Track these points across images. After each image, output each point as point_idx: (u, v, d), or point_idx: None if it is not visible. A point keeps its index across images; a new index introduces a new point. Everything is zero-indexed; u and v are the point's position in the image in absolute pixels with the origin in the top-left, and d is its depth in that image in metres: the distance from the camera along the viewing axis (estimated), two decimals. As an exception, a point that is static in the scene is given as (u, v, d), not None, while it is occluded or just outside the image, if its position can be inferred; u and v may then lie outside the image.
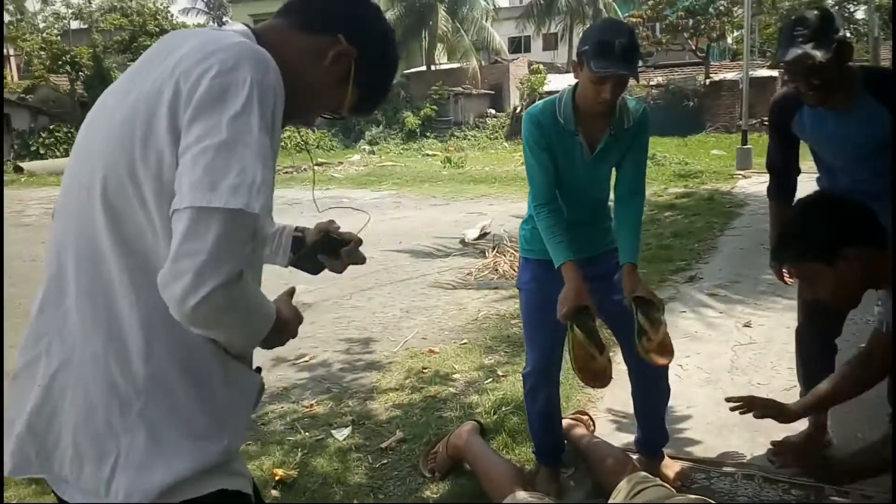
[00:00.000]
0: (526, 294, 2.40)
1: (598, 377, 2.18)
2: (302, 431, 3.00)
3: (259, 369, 1.17)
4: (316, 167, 19.86)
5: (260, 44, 1.06)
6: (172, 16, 36.92)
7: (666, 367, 2.43)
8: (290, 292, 1.26)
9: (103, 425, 1.00)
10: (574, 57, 2.15)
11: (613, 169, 2.32)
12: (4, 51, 26.08)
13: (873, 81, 2.18)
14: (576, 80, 2.15)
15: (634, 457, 2.57)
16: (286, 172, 19.01)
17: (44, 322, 1.06)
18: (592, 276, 2.25)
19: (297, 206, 11.88)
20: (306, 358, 3.97)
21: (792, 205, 2.52)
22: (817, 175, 2.50)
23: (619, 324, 2.33)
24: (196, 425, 1.03)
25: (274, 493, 2.50)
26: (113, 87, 1.10)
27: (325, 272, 1.49)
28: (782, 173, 2.54)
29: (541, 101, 2.26)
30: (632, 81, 2.47)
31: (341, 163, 21.04)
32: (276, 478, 2.56)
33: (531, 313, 2.39)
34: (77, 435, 1.01)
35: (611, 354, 2.27)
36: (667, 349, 2.19)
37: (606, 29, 2.06)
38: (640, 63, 2.19)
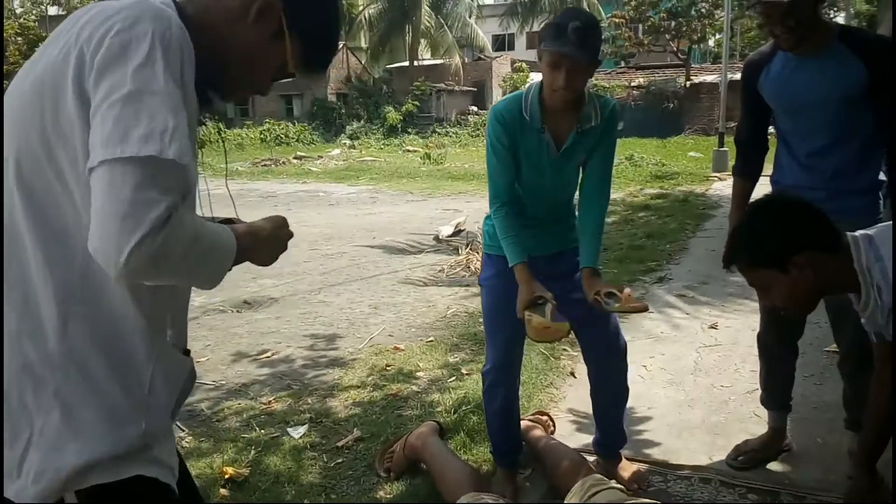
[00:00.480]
0: (487, 290, 2.35)
1: (553, 335, 2.09)
2: (257, 429, 2.94)
3: (188, 352, 1.13)
4: (294, 160, 19.72)
5: (183, 17, 1.01)
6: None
7: (625, 370, 2.44)
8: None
9: (17, 405, 0.96)
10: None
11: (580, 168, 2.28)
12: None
13: (849, 33, 2.17)
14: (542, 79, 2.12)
15: (592, 458, 2.56)
16: (264, 165, 18.87)
17: None
18: (556, 273, 2.24)
19: (271, 199, 11.78)
20: (268, 354, 3.90)
21: (755, 183, 2.51)
22: (770, 174, 2.47)
23: (580, 321, 2.26)
24: (114, 407, 0.99)
25: (223, 491, 2.44)
26: (26, 63, 1.05)
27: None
28: (749, 147, 2.49)
29: (507, 97, 2.21)
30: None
31: (321, 156, 20.90)
32: (226, 476, 2.50)
33: (492, 310, 2.34)
34: None
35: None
36: (639, 304, 2.10)
37: (564, 13, 2.02)
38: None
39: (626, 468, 2.53)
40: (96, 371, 0.98)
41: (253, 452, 2.73)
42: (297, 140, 27.45)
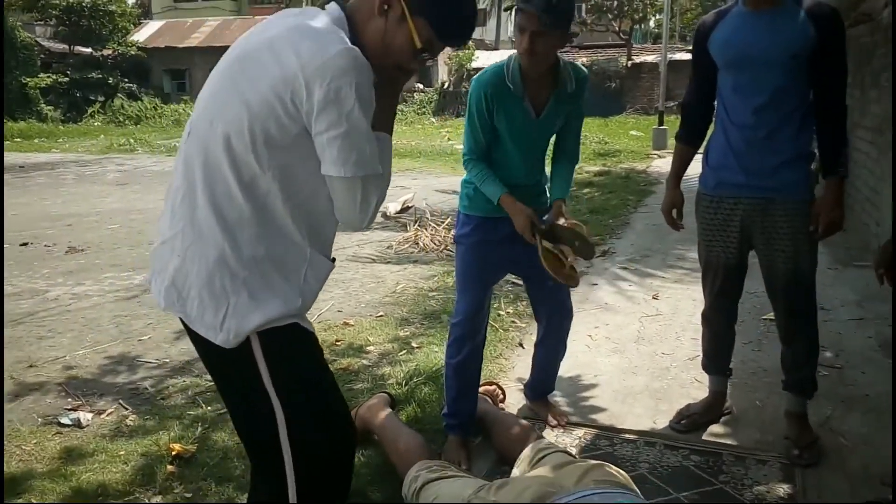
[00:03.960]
0: (464, 248, 2.46)
1: (570, 278, 2.25)
2: (203, 406, 2.88)
3: (334, 259, 1.56)
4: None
5: (350, 25, 1.43)
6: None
7: (568, 328, 2.67)
8: None
9: (219, 287, 1.40)
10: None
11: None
12: None
13: None
14: None
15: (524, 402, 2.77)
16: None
17: (179, 212, 1.45)
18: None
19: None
20: (214, 330, 3.81)
21: (696, 151, 2.57)
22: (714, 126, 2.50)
23: (535, 283, 2.51)
24: (282, 292, 1.44)
25: (170, 468, 2.39)
26: (242, 52, 1.49)
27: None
28: (694, 113, 2.54)
29: (489, 67, 2.31)
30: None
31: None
32: (174, 452, 2.45)
33: (466, 266, 2.47)
34: (202, 291, 1.41)
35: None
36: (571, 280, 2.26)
37: None
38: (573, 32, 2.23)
39: (551, 408, 2.78)
40: (270, 272, 1.43)
41: (200, 429, 2.67)
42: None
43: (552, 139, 2.46)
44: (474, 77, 2.35)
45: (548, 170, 2.49)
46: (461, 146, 2.46)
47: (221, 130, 1.38)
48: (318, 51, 1.33)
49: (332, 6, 1.45)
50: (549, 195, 2.47)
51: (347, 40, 1.36)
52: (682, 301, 4.27)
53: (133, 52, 27.14)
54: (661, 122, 14.97)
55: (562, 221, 2.27)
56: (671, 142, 14.68)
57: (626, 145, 14.61)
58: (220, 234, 1.40)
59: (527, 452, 2.22)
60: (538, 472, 2.00)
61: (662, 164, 11.77)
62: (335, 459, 1.56)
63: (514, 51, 2.24)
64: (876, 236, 4.78)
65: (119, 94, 25.69)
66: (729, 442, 2.56)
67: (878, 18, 5.18)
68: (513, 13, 2.28)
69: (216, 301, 1.41)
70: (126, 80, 26.62)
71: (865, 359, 3.28)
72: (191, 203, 1.44)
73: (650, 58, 25.96)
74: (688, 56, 17.64)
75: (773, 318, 3.73)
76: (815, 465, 2.35)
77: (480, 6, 36.23)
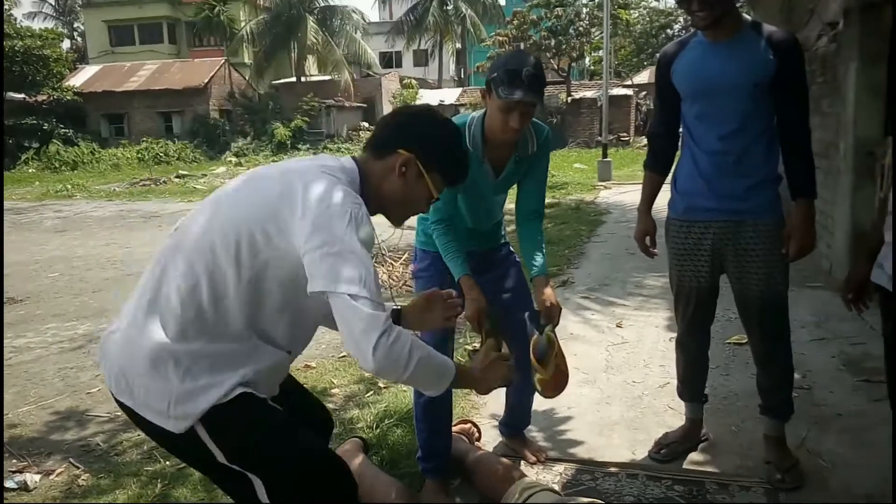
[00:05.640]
0: (423, 282, 2.44)
1: (550, 386, 2.26)
2: (161, 460, 2.70)
3: (290, 352, 1.63)
4: (176, 179, 18.82)
5: (361, 176, 1.60)
6: (16, 20, 34.00)
7: None
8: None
9: (163, 375, 1.45)
10: (484, 84, 2.21)
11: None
12: None
13: (760, 25, 2.26)
14: (483, 110, 2.24)
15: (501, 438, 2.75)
16: (143, 185, 17.91)
17: (139, 301, 1.51)
18: (489, 265, 2.46)
19: (155, 220, 11.16)
20: (168, 379, 3.62)
21: (665, 178, 2.57)
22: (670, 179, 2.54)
23: (507, 309, 2.44)
24: (228, 375, 1.48)
25: (130, 531, 2.22)
26: (256, 180, 1.58)
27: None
28: (661, 141, 2.55)
29: None
30: None
31: (205, 174, 20.05)
32: (133, 514, 2.28)
33: None
34: (147, 379, 1.46)
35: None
36: (556, 383, 2.27)
37: (513, 58, 2.13)
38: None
39: (528, 444, 2.72)
40: (215, 359, 1.48)
41: (160, 485, 2.50)
42: (178, 158, 26.24)
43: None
44: None
45: (508, 207, 2.48)
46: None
47: (209, 239, 1.48)
48: (322, 195, 1.46)
49: (348, 160, 1.63)
50: (504, 233, 2.51)
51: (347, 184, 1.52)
52: (646, 328, 4.28)
53: (69, 98, 26.51)
54: (604, 155, 15.32)
55: (546, 328, 2.23)
56: (616, 173, 15.08)
57: (573, 178, 14.86)
58: (157, 326, 1.47)
59: (512, 491, 2.15)
60: (528, 514, 1.93)
61: (609, 194, 12.01)
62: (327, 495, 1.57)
63: (473, 112, 2.27)
64: (827, 258, 4.92)
65: (54, 140, 24.98)
66: (711, 469, 2.52)
67: (812, 49, 5.42)
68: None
69: (161, 389, 1.45)
70: (62, 125, 25.94)
71: (832, 378, 3.31)
72: (152, 296, 1.50)
73: (588, 93, 26.73)
74: (624, 91, 18.41)
75: (738, 341, 3.81)
76: (799, 488, 2.33)
77: (422, 47, 36.85)
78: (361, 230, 1.43)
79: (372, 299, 1.38)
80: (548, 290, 2.28)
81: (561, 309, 2.30)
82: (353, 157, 1.64)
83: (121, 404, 1.52)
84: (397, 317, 1.97)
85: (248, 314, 1.49)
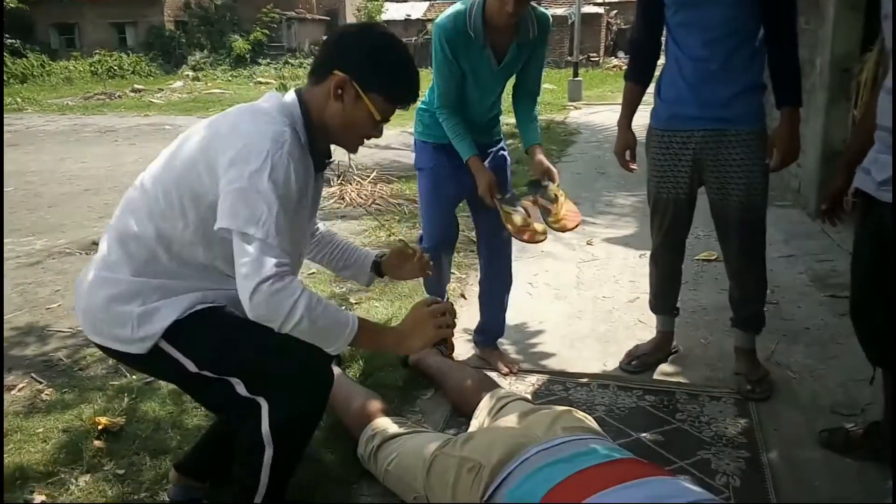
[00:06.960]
0: (426, 175, 2.54)
1: (536, 234, 2.41)
2: (128, 375, 2.64)
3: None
4: (132, 94, 18.08)
5: (303, 108, 1.56)
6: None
7: (509, 260, 2.72)
8: None
9: (123, 305, 1.52)
10: None
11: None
12: None
13: None
14: None
15: (474, 350, 2.80)
16: (98, 99, 17.16)
17: (111, 244, 1.58)
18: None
19: (111, 134, 10.74)
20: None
21: (646, 88, 2.50)
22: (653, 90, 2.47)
23: (488, 211, 2.47)
24: (184, 296, 1.55)
25: (98, 443, 2.16)
26: (205, 128, 1.55)
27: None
28: (642, 50, 2.48)
29: (450, 12, 2.28)
30: None
31: (161, 89, 19.29)
32: (100, 426, 2.22)
33: (430, 191, 2.54)
34: (109, 311, 1.53)
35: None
36: (571, 217, 2.44)
37: None
38: None
39: (501, 356, 2.74)
40: (171, 286, 1.54)
41: (126, 400, 2.44)
42: (133, 72, 25.16)
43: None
44: (434, 23, 2.32)
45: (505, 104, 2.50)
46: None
47: (159, 190, 1.52)
48: (252, 133, 1.45)
49: (291, 94, 1.59)
50: (499, 131, 2.60)
51: (284, 123, 1.49)
52: (616, 245, 4.29)
53: (14, 5, 24.94)
54: (575, 74, 15.08)
55: (548, 185, 2.41)
56: (587, 93, 14.88)
57: (542, 97, 14.61)
58: (126, 269, 1.54)
59: (485, 402, 2.15)
60: (503, 423, 1.92)
61: (579, 114, 11.89)
62: (307, 389, 1.54)
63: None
64: (796, 176, 4.94)
65: None
66: (681, 380, 2.56)
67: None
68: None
69: (122, 318, 1.51)
70: (7, 35, 24.49)
71: (800, 294, 3.37)
72: (110, 244, 1.58)
73: (559, 10, 26.01)
74: (596, 9, 17.97)
75: (706, 258, 3.84)
76: (768, 398, 2.38)
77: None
78: (277, 171, 1.39)
79: (267, 242, 1.36)
80: (542, 156, 2.42)
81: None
82: (298, 89, 1.61)
83: (96, 344, 1.58)
84: (378, 269, 1.96)
85: (201, 252, 1.53)
